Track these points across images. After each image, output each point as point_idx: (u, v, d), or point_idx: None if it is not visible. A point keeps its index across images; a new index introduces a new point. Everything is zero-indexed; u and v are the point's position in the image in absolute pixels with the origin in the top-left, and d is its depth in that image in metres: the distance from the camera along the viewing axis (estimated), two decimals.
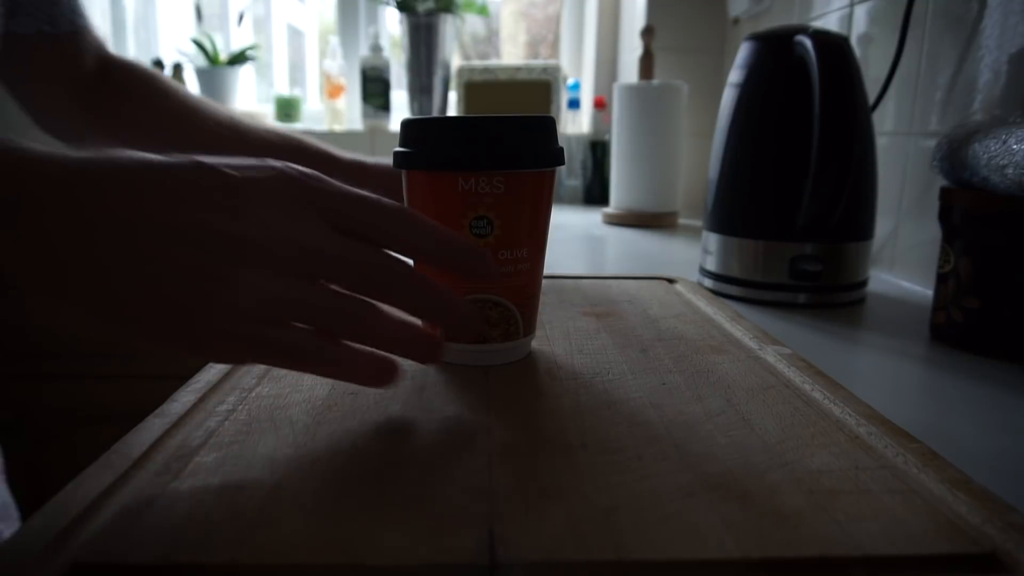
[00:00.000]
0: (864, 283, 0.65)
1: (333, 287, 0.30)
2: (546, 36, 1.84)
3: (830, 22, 0.90)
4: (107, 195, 0.27)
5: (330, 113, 1.67)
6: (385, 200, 0.31)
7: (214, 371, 0.37)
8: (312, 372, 0.31)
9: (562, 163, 0.39)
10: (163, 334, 0.28)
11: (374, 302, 0.30)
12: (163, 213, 0.27)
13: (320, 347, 0.29)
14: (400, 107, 1.71)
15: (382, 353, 0.30)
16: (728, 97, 0.66)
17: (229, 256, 0.28)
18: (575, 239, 1.03)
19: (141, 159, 0.29)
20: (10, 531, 0.47)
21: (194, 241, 0.27)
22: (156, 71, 0.68)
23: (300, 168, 0.30)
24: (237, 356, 0.30)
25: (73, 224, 0.27)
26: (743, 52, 0.65)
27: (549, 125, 0.38)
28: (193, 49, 1.72)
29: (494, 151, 0.37)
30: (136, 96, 0.64)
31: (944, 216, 0.52)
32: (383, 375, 0.30)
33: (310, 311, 0.29)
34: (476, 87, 1.61)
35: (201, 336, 0.28)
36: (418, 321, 0.32)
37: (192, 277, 0.27)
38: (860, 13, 0.84)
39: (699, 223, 1.22)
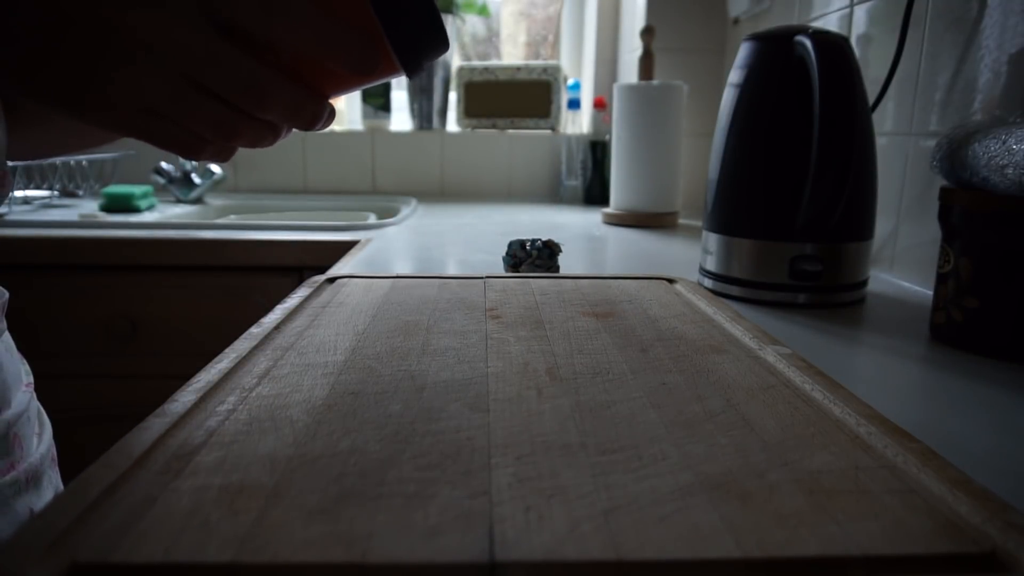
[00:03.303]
0: (864, 283, 0.65)
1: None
2: (546, 36, 1.84)
3: (830, 22, 0.90)
4: None
5: None
6: (289, 12, 0.32)
7: (215, 371, 0.37)
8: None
9: None
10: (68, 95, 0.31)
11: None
12: None
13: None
14: (400, 107, 1.72)
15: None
16: (728, 97, 0.66)
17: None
18: (575, 239, 1.03)
19: None
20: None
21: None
22: None
23: None
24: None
25: None
26: (743, 52, 0.65)
27: None
28: None
29: None
30: None
31: (944, 216, 0.52)
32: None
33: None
34: (476, 87, 1.61)
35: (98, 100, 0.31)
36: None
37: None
38: (860, 13, 0.84)
39: (699, 223, 1.22)
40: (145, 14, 0.30)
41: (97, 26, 0.30)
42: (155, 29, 0.30)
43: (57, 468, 0.52)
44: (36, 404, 0.51)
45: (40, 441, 0.50)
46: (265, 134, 0.35)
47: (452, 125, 1.69)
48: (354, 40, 0.32)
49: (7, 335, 0.49)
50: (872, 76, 0.79)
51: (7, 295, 0.49)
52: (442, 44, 0.35)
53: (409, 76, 0.35)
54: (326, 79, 0.35)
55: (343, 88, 0.36)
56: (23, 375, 0.50)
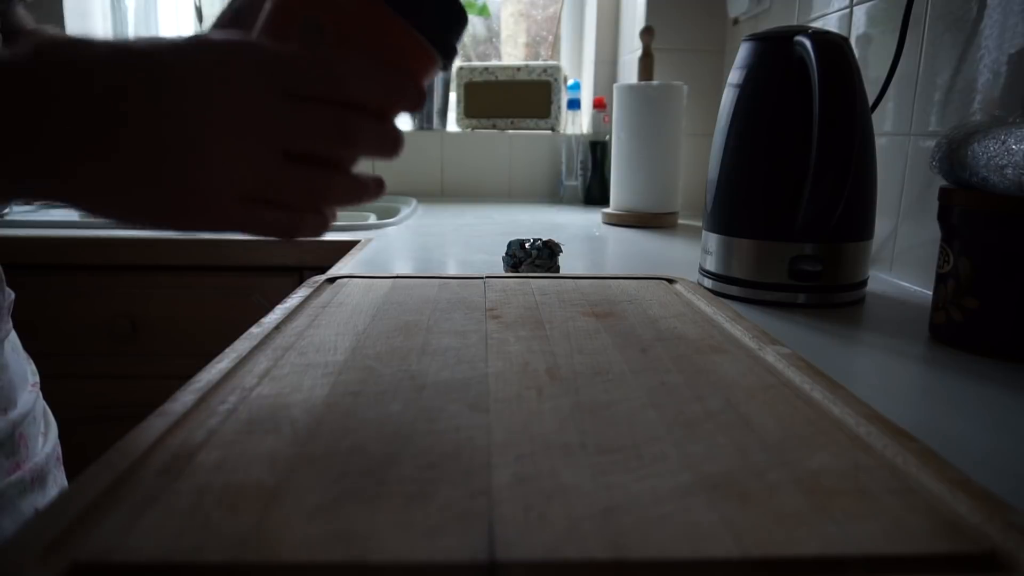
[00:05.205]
0: (864, 283, 0.65)
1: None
2: (546, 37, 1.84)
3: (830, 22, 0.90)
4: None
5: None
6: (336, 60, 0.32)
7: (215, 371, 0.37)
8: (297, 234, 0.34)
9: None
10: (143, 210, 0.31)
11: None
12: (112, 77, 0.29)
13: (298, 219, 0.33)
14: None
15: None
16: (728, 97, 0.66)
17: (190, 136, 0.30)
18: (575, 239, 1.03)
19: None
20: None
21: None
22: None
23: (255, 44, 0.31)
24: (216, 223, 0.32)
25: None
26: (743, 53, 0.65)
27: None
28: None
29: None
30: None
31: (943, 216, 0.52)
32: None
33: (279, 191, 0.32)
34: (476, 87, 1.61)
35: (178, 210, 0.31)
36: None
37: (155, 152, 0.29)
38: (860, 13, 0.84)
39: (699, 223, 1.22)
40: (231, 134, 0.30)
41: (191, 147, 0.29)
42: (240, 143, 0.30)
43: (62, 467, 0.52)
44: (42, 404, 0.51)
45: (46, 441, 0.50)
46: (354, 188, 0.35)
47: (452, 125, 1.69)
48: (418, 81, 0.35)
49: (13, 335, 0.49)
50: (872, 76, 0.79)
51: (13, 295, 0.49)
52: (465, 22, 0.37)
53: (446, 69, 0.38)
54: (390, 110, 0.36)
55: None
56: (29, 375, 0.50)
